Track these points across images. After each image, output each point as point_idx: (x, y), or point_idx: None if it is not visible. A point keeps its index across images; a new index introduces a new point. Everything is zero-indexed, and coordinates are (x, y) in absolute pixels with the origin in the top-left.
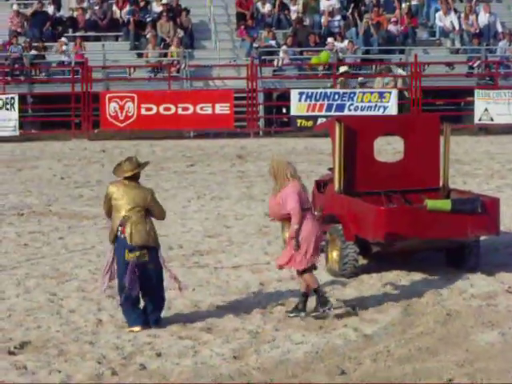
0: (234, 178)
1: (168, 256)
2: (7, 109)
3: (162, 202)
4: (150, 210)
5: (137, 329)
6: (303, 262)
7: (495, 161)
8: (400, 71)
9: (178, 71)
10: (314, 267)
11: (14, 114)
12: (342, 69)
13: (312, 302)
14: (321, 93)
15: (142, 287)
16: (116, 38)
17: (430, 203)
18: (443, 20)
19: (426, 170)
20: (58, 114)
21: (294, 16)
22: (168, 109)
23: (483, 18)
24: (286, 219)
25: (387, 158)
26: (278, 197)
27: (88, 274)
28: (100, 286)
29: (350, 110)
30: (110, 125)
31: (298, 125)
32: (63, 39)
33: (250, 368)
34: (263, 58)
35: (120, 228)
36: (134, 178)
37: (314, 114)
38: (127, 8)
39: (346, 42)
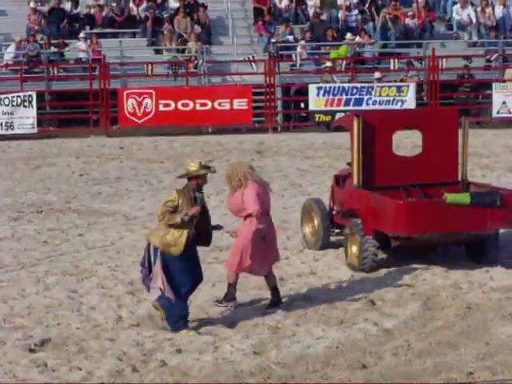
0: None
1: None
2: (25, 106)
3: None
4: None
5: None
6: (234, 264)
7: None
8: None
9: (195, 67)
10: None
11: (32, 112)
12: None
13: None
14: (339, 87)
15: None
16: (133, 35)
17: (450, 197)
18: (460, 13)
19: (444, 164)
20: (75, 111)
21: (311, 11)
22: (186, 105)
23: (498, 11)
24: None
25: (406, 152)
26: (234, 197)
27: (108, 271)
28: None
29: (368, 105)
30: (129, 121)
31: (316, 119)
32: (82, 35)
33: (271, 363)
34: (281, 53)
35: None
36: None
37: (332, 108)
38: (144, 4)
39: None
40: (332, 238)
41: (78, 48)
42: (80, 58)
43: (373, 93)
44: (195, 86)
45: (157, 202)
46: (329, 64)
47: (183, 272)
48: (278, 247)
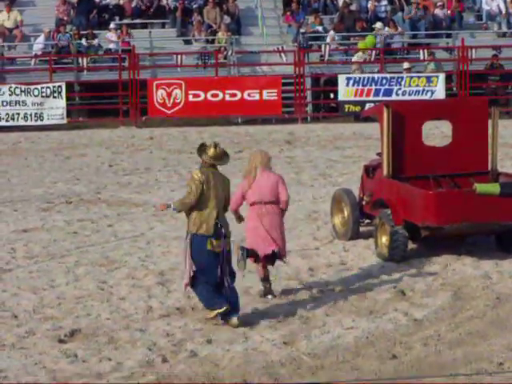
0: (283, 163)
1: None
2: (55, 97)
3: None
4: (227, 200)
5: (225, 307)
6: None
7: None
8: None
9: (225, 58)
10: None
11: (62, 102)
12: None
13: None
14: (368, 78)
15: (224, 275)
16: (163, 25)
17: (479, 187)
18: (490, 4)
19: (474, 154)
20: (105, 101)
21: (340, 1)
22: (216, 95)
23: None
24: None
25: (435, 142)
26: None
27: (138, 262)
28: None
29: (397, 95)
30: (158, 112)
31: (346, 110)
32: (112, 25)
33: (301, 353)
34: (310, 43)
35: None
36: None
37: (361, 99)
38: None
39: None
40: (362, 229)
41: (108, 39)
42: (110, 49)
43: (402, 83)
44: (224, 76)
45: None
46: (357, 57)
47: None
48: (308, 237)
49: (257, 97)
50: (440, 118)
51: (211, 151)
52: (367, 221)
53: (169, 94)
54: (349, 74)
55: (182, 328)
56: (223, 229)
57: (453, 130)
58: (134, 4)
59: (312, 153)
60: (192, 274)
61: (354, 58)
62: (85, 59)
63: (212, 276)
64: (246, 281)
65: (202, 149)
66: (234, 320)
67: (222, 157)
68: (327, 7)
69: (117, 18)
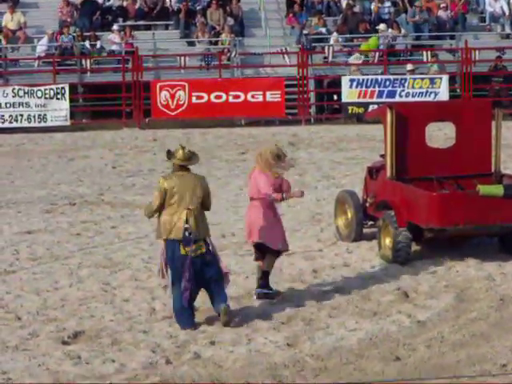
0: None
1: (221, 244)
2: (58, 98)
3: (213, 191)
4: (205, 199)
5: (189, 329)
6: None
7: None
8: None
9: (228, 59)
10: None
11: (65, 104)
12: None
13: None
14: (372, 79)
15: (203, 281)
16: (166, 27)
17: (483, 189)
18: (493, 5)
19: (477, 156)
20: (108, 103)
21: (343, 3)
22: (219, 97)
23: None
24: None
25: (439, 143)
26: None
27: (141, 263)
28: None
29: (401, 97)
30: (162, 113)
31: (350, 111)
32: (115, 27)
33: (304, 355)
34: (313, 45)
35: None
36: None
37: (365, 100)
38: None
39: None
40: (365, 230)
41: (111, 40)
42: (113, 51)
43: (406, 85)
44: (228, 78)
45: None
46: (354, 59)
47: None
48: (312, 238)
49: (260, 98)
50: (443, 120)
51: (179, 154)
52: (371, 222)
53: (172, 96)
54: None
55: (186, 330)
56: (192, 234)
57: (456, 132)
58: (137, 6)
59: (315, 154)
60: (169, 279)
61: (351, 60)
62: (88, 61)
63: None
64: (249, 282)
65: (170, 154)
66: (221, 307)
67: (191, 158)
68: (330, 9)
69: (120, 19)
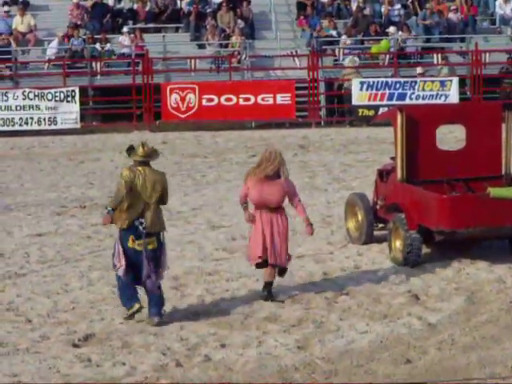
0: (296, 167)
1: (231, 247)
2: (68, 101)
3: (224, 193)
4: (163, 195)
5: (137, 306)
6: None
7: None
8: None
9: (238, 62)
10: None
11: (75, 107)
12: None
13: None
14: (382, 82)
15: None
16: (176, 30)
17: (493, 191)
18: (503, 8)
19: (488, 158)
20: (119, 106)
21: (354, 5)
22: (229, 99)
23: None
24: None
25: (449, 146)
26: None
27: None
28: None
29: (411, 99)
30: (172, 116)
31: (360, 114)
32: (125, 30)
33: (315, 358)
34: (324, 47)
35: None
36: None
37: (375, 103)
38: None
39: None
40: (376, 233)
41: (122, 43)
42: (123, 53)
43: (416, 87)
44: (238, 80)
45: (200, 197)
46: (349, 62)
47: None
48: (322, 241)
49: (270, 101)
50: (454, 122)
51: (140, 150)
52: (381, 225)
53: (182, 99)
54: (363, 78)
55: (196, 332)
56: (145, 228)
57: (466, 134)
58: (147, 8)
59: (326, 157)
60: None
61: (346, 63)
62: (98, 63)
63: (134, 273)
64: (259, 285)
65: (130, 149)
66: (154, 320)
67: (152, 154)
68: (341, 11)
69: (130, 22)
